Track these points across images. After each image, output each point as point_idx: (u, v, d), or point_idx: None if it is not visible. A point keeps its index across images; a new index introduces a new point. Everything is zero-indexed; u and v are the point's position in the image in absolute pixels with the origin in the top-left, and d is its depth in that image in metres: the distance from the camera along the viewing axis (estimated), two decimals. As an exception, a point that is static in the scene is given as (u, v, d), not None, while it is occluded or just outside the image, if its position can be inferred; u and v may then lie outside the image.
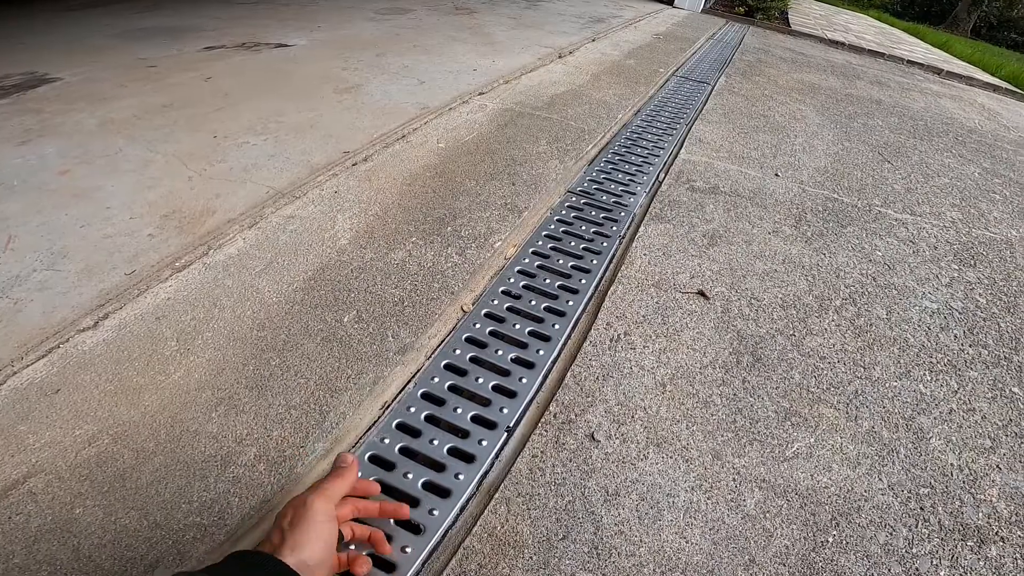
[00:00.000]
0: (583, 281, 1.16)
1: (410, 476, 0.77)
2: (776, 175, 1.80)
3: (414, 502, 0.74)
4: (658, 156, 1.78)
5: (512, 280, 1.14)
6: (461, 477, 0.78)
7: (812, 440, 0.91)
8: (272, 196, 1.30)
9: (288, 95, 1.88)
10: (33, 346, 0.87)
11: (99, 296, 0.99)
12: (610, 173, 1.62)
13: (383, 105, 1.87)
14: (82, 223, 1.18)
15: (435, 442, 0.82)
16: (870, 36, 6.32)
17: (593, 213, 1.41)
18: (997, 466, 0.92)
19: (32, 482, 0.69)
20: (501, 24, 3.36)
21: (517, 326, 1.03)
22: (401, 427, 0.84)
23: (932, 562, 0.76)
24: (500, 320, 1.04)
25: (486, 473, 0.79)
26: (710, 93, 2.56)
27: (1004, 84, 4.77)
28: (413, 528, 0.70)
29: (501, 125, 1.82)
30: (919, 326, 1.21)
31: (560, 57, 2.75)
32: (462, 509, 0.74)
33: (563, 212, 1.40)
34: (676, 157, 1.80)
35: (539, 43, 2.99)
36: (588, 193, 1.50)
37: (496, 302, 1.08)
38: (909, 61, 4.86)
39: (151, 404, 0.80)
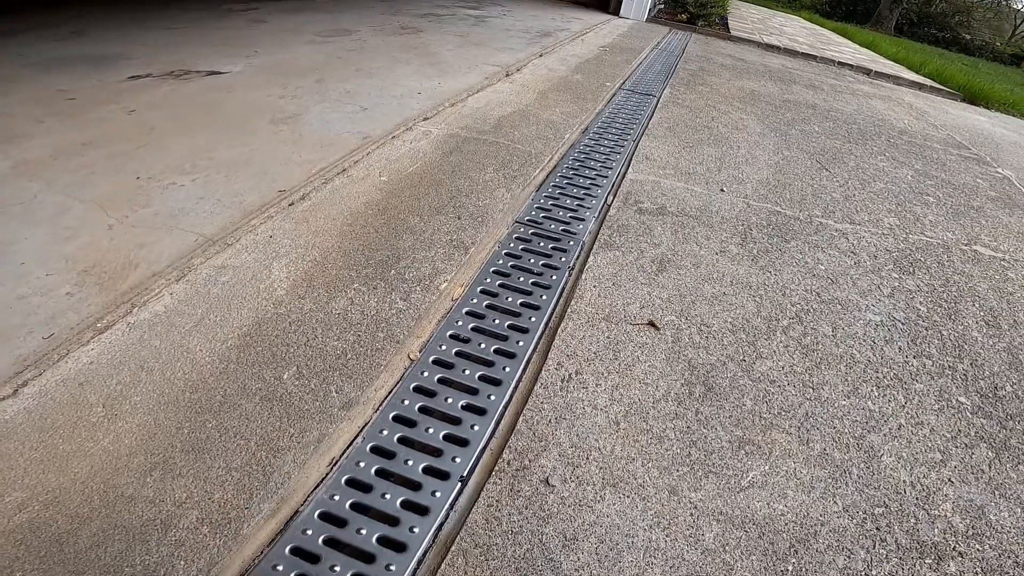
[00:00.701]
0: (533, 319, 1.14)
1: (363, 532, 0.75)
2: (721, 190, 1.83)
3: (369, 558, 0.72)
4: (606, 177, 1.79)
5: (460, 323, 1.11)
6: (416, 530, 0.76)
7: (767, 467, 0.91)
8: (202, 244, 1.22)
9: (220, 128, 1.79)
10: None
11: (16, 363, 0.93)
12: (558, 199, 1.61)
13: (323, 136, 1.80)
14: (-6, 283, 1.09)
15: (387, 496, 0.80)
16: (802, 38, 6.62)
17: (542, 244, 1.39)
18: (949, 479, 0.94)
19: None
20: (447, 43, 3.33)
21: (467, 371, 1.00)
22: (351, 483, 0.81)
23: None
24: (449, 366, 1.01)
25: (441, 525, 0.78)
26: (656, 106, 2.61)
27: (928, 81, 5.07)
28: (371, 585, 0.69)
29: (446, 152, 1.79)
30: (864, 340, 1.24)
31: (507, 75, 2.74)
32: (419, 563, 0.73)
33: (511, 245, 1.37)
34: (624, 177, 1.81)
35: (486, 61, 2.98)
36: (536, 222, 1.48)
37: (444, 348, 1.04)
38: (840, 63, 5.11)
39: (81, 471, 0.78)
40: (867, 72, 4.99)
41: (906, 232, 1.78)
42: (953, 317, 1.38)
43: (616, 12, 5.77)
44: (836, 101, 3.47)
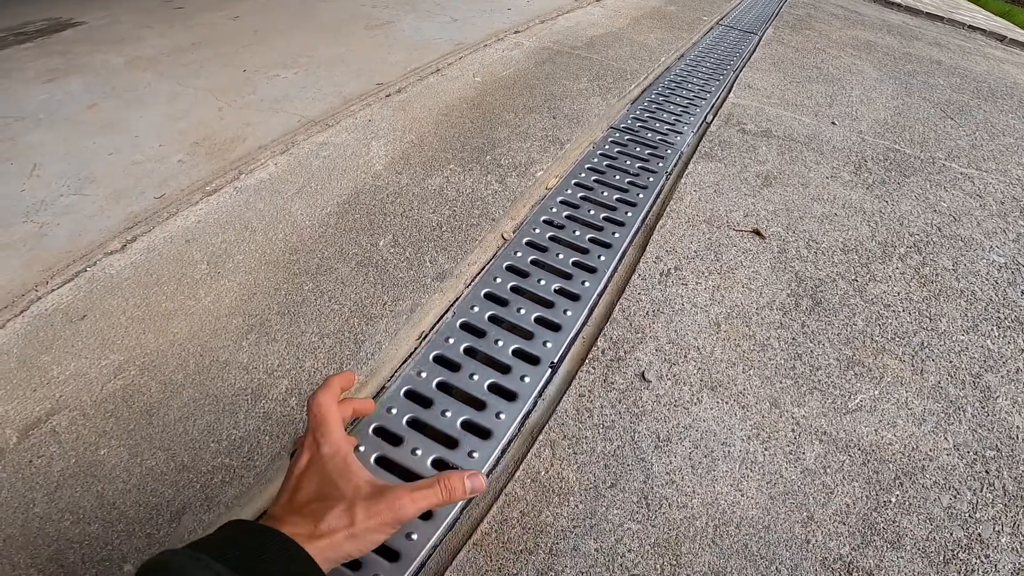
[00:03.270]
0: (629, 214, 1.09)
1: (448, 414, 0.71)
2: (833, 123, 1.68)
3: (453, 443, 0.68)
4: (704, 99, 1.67)
5: (554, 210, 1.07)
6: (502, 417, 0.71)
7: (876, 392, 0.84)
8: (304, 124, 1.25)
9: (318, 32, 1.81)
10: (59, 270, 0.84)
11: (127, 219, 0.96)
12: (654, 112, 1.52)
13: (415, 41, 1.79)
14: (110, 151, 1.15)
15: (475, 377, 0.75)
16: (926, -1, 5.92)
17: (638, 149, 1.32)
18: (1063, 431, 0.84)
19: (55, 420, 0.64)
20: (535, -30, 3.20)
21: (560, 256, 0.97)
22: (439, 360, 0.78)
23: (994, 528, 0.70)
24: (542, 249, 0.98)
25: (529, 413, 0.73)
26: (758, 43, 2.41)
27: (1071, 52, 4.43)
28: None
29: (539, 62, 1.73)
30: (986, 279, 1.12)
31: (598, 0, 2.61)
32: (503, 452, 0.69)
33: (606, 147, 1.32)
34: (724, 101, 1.69)
35: (575, -12, 2.84)
36: (632, 130, 1.41)
37: (538, 231, 1.02)
38: (970, 26, 4.54)
39: (180, 331, 0.76)
40: (1001, 38, 4.41)
41: (1037, 185, 1.58)
42: (1083, 270, 1.22)
43: (712, -41, 5.35)
44: (964, 60, 3.10)
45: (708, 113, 1.58)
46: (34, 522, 0.56)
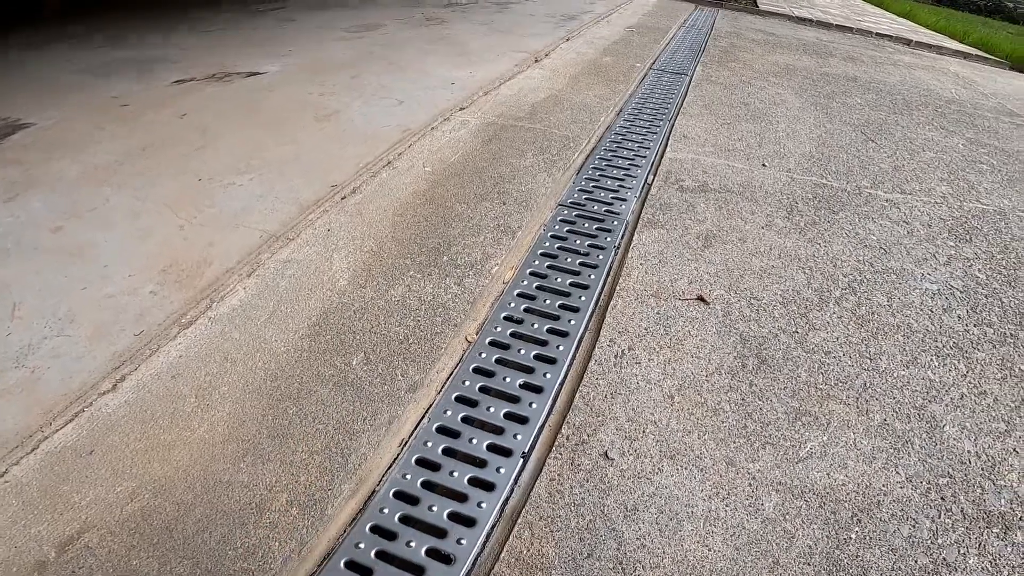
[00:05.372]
0: (583, 298, 1.17)
1: (435, 508, 0.78)
2: (764, 165, 1.81)
3: (442, 533, 0.75)
4: (645, 157, 1.79)
5: (512, 305, 1.14)
6: (484, 505, 0.79)
7: (825, 438, 0.92)
8: (266, 240, 1.29)
9: (267, 127, 1.86)
10: (59, 412, 0.89)
11: (113, 359, 1.00)
12: (599, 180, 1.63)
13: (365, 131, 1.86)
14: (83, 284, 1.17)
15: (455, 473, 0.83)
16: (835, 10, 6.32)
17: (586, 225, 1.42)
18: (1014, 449, 0.93)
19: (87, 537, 0.72)
20: (473, 32, 3.34)
21: (522, 351, 1.04)
22: (421, 462, 0.85)
23: (959, 551, 0.77)
24: (505, 347, 1.05)
25: (507, 500, 0.81)
26: (689, 85, 2.57)
27: (973, 51, 4.80)
28: (444, 559, 0.72)
29: (485, 140, 1.82)
30: (921, 310, 1.22)
31: (537, 61, 2.75)
32: (488, 536, 0.76)
33: (556, 227, 1.40)
34: (663, 156, 1.80)
35: (514, 48, 2.98)
36: (579, 204, 1.51)
37: (499, 329, 1.08)
38: (878, 34, 4.88)
39: (182, 459, 0.83)
40: (908, 43, 4.76)
41: (960, 200, 1.72)
42: (1013, 283, 1.34)
43: (640, -10, 5.63)
44: (877, 73, 3.34)
45: (648, 173, 1.69)
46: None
